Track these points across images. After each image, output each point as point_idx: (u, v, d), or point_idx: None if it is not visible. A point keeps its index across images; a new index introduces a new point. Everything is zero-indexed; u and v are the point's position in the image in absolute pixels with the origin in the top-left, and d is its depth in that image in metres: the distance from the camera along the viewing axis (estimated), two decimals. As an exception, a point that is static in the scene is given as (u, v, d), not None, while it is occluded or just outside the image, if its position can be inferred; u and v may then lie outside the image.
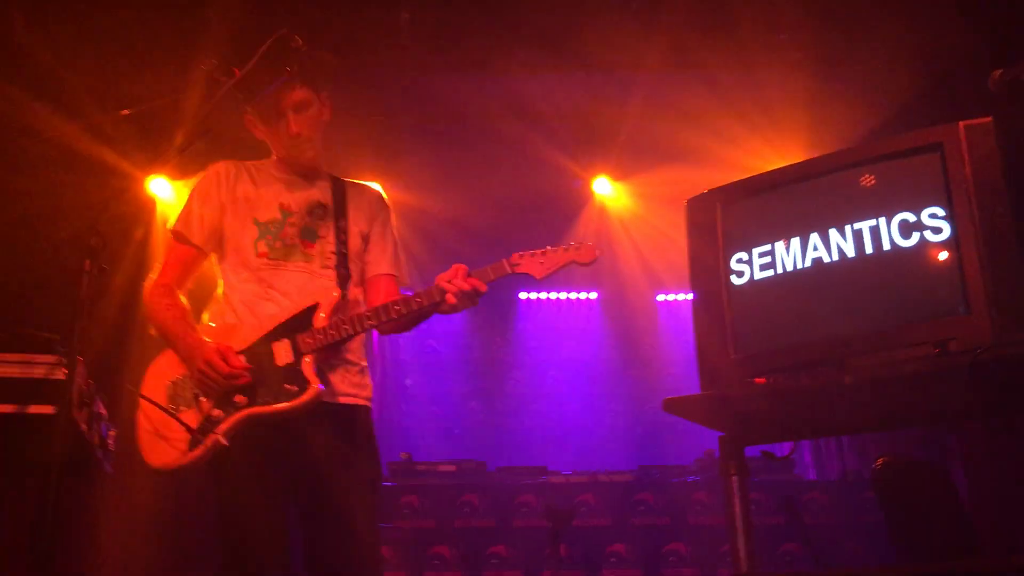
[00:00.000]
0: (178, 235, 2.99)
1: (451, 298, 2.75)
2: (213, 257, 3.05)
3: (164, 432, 2.74)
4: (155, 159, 5.76)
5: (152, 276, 2.98)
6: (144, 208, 6.50)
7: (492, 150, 6.82)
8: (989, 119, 2.32)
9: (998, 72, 2.73)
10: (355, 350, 2.99)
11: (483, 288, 2.76)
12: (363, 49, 5.61)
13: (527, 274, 2.80)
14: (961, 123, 2.33)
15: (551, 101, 6.35)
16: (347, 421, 2.91)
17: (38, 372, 3.13)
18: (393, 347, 8.56)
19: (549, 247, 2.84)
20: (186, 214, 3.00)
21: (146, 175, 6.21)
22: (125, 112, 5.11)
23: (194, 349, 2.77)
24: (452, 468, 6.24)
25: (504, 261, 2.81)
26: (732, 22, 5.49)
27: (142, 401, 2.80)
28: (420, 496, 5.89)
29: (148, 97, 5.30)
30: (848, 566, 5.75)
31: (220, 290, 3.02)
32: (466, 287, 2.74)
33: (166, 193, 6.63)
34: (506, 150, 6.72)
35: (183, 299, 2.93)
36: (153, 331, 2.92)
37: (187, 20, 5.10)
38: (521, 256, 2.81)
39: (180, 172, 6.21)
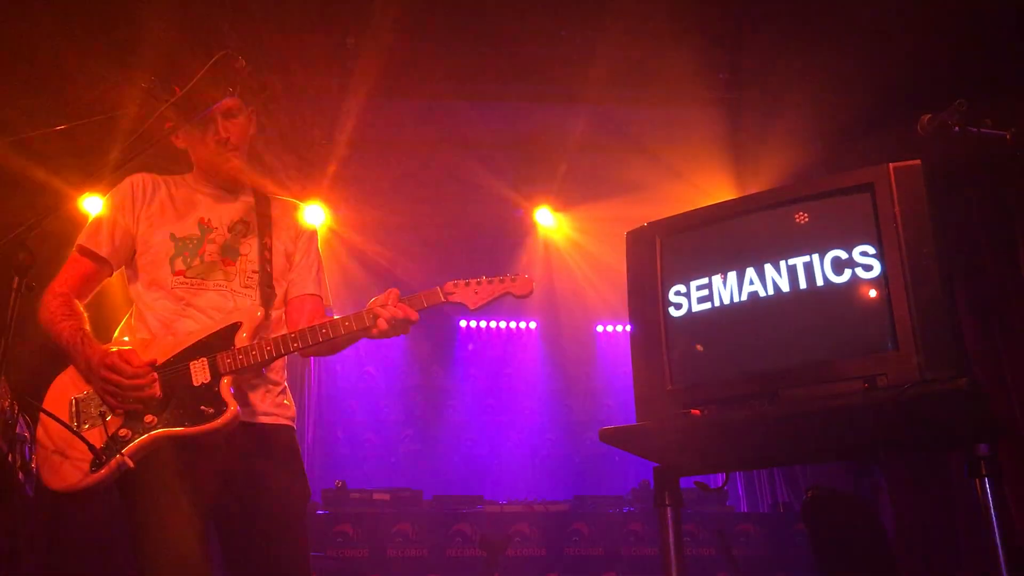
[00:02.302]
0: (82, 249, 2.80)
1: (382, 323, 2.66)
2: (124, 274, 2.87)
3: (66, 451, 2.53)
4: (89, 176, 5.62)
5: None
6: (76, 226, 6.33)
7: (435, 176, 6.83)
8: (918, 162, 2.39)
9: (926, 117, 2.83)
10: (277, 370, 2.87)
11: (414, 317, 2.68)
12: (306, 71, 5.58)
13: (460, 303, 2.75)
14: (891, 164, 2.40)
15: (493, 130, 6.39)
16: (268, 440, 2.76)
17: (-42, 393, 2.99)
18: (330, 373, 8.45)
19: (484, 277, 2.78)
20: (95, 227, 2.82)
21: (79, 193, 6.05)
22: (60, 128, 4.97)
23: (92, 357, 2.58)
24: (386, 496, 6.16)
25: (438, 289, 2.75)
26: (670, 58, 5.58)
27: (43, 418, 2.58)
28: (353, 524, 5.80)
29: (80, 113, 5.18)
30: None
31: (132, 309, 2.84)
32: (398, 314, 2.66)
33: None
34: (449, 177, 6.74)
35: (82, 310, 2.73)
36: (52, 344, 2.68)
37: (120, 35, 5.01)
38: (455, 285, 2.75)
39: (115, 190, 6.07)
